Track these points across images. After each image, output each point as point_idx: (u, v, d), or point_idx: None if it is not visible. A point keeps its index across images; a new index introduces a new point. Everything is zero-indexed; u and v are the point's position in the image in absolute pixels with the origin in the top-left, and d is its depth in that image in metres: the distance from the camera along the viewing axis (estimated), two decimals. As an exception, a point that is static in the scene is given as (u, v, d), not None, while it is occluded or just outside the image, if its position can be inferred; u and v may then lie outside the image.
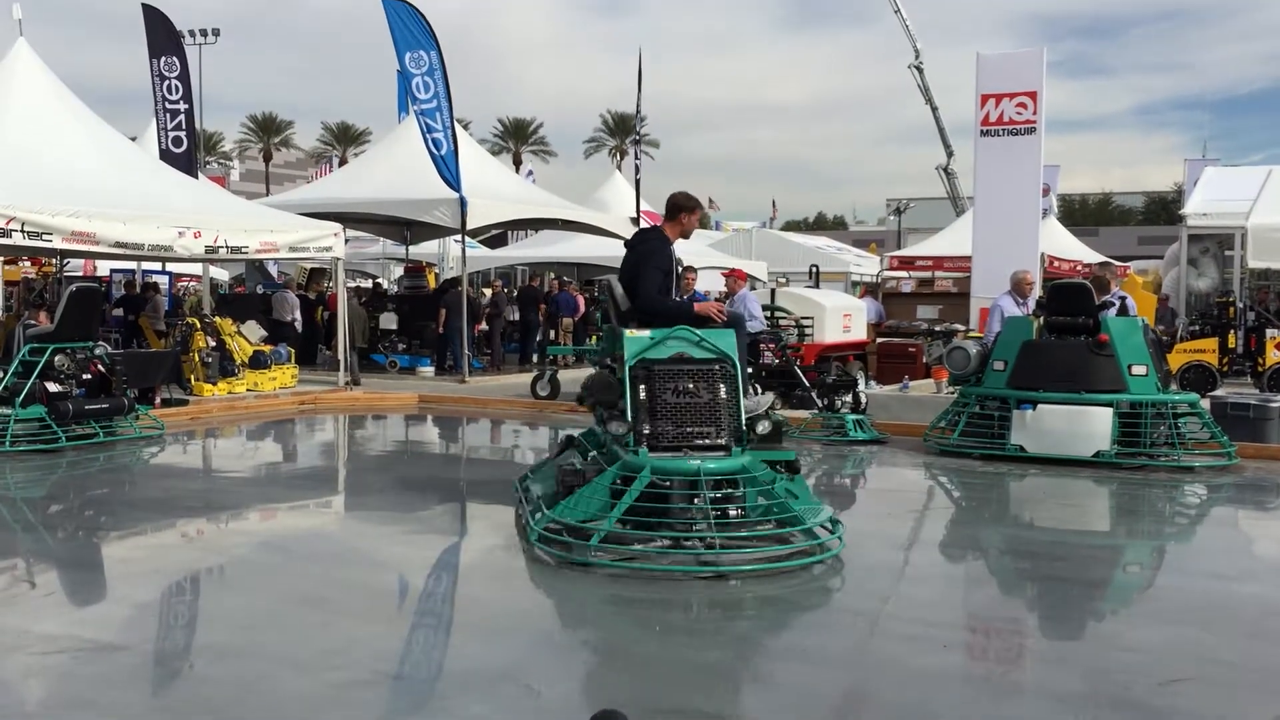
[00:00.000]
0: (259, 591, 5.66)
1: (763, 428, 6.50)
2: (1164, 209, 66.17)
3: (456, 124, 17.09)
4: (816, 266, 22.25)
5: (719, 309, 6.88)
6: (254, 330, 15.51)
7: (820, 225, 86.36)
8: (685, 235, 7.27)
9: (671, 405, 6.33)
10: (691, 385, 6.39)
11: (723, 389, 6.40)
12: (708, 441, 6.28)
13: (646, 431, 6.27)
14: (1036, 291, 11.67)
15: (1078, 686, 4.15)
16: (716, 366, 6.46)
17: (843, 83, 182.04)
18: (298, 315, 18.73)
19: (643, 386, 6.37)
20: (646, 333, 6.56)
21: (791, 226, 71.97)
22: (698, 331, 6.57)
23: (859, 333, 16.64)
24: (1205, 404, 10.34)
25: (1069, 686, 4.15)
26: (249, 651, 4.56)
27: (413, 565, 6.39)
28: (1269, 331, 15.08)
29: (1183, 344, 15.14)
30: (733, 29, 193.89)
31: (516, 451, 11.96)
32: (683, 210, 7.21)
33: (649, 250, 7.05)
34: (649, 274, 6.90)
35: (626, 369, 6.43)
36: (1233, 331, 15.45)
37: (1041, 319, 9.94)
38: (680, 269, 9.72)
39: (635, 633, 5.01)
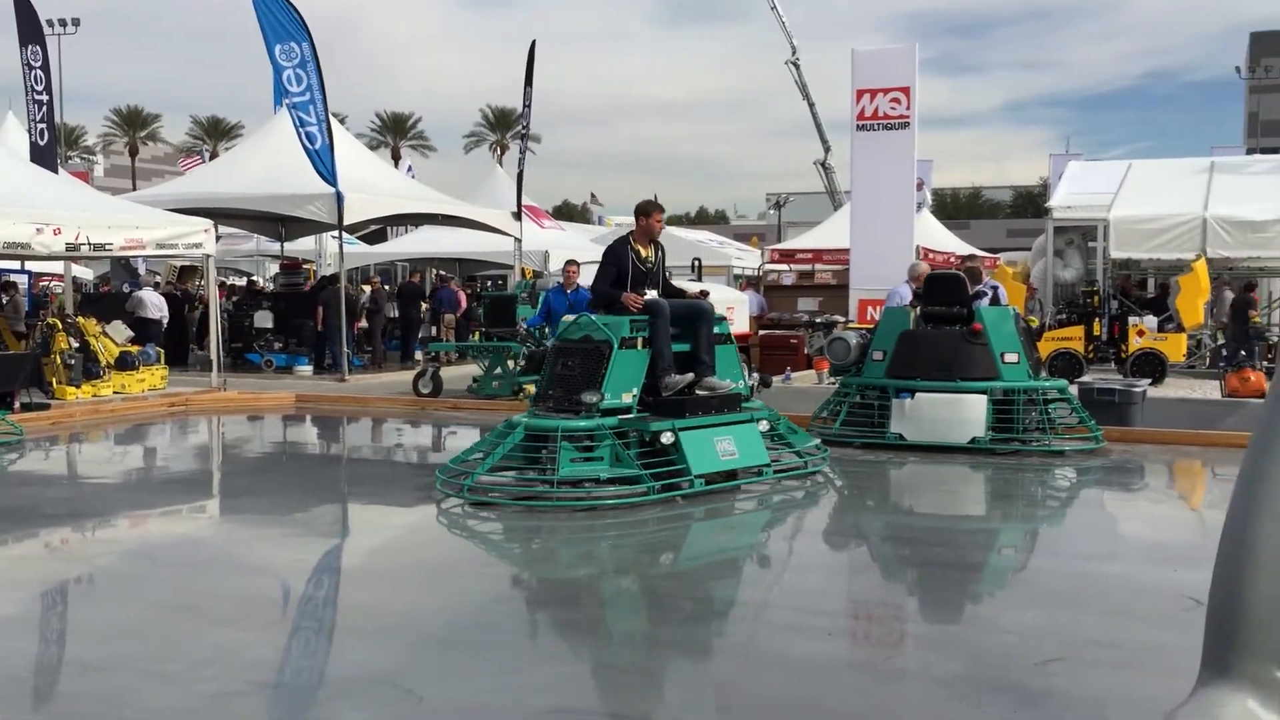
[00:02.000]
0: (126, 602, 5.42)
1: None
2: (1031, 202, 68.35)
3: (332, 118, 16.70)
4: (699, 260, 22.30)
5: (635, 299, 7.97)
6: (120, 331, 14.93)
7: (702, 220, 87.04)
8: (651, 237, 8.42)
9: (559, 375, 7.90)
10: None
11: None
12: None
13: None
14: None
15: (958, 670, 4.22)
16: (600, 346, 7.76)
17: (723, 79, 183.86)
18: (165, 313, 18.05)
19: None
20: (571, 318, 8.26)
21: (674, 221, 72.07)
22: (596, 319, 7.87)
23: (741, 325, 16.77)
24: (1073, 390, 10.69)
25: (950, 670, 4.22)
26: (115, 665, 4.36)
27: (290, 569, 6.20)
28: (1131, 319, 15.67)
29: (1051, 332, 15.63)
30: (613, 25, 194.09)
31: (398, 450, 11.74)
32: (640, 215, 8.50)
33: (605, 251, 8.57)
34: (599, 270, 8.30)
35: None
36: (1097, 320, 16.01)
37: (918, 309, 10.15)
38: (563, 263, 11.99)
39: (519, 633, 4.94)
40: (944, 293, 10.01)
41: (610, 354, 7.66)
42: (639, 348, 7.83)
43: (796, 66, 38.58)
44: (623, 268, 8.22)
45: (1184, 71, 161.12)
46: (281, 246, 23.35)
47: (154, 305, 17.85)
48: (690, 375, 7.95)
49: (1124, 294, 17.41)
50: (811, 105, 39.39)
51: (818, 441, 8.89)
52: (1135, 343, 15.24)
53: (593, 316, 7.95)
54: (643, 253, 8.36)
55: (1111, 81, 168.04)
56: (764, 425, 8.23)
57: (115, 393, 13.87)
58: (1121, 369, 14.99)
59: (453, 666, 4.43)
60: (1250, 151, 34.31)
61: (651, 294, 8.18)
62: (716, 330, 8.30)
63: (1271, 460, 1.11)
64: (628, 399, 7.71)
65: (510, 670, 4.33)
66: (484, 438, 8.36)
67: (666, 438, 7.57)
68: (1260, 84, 42.15)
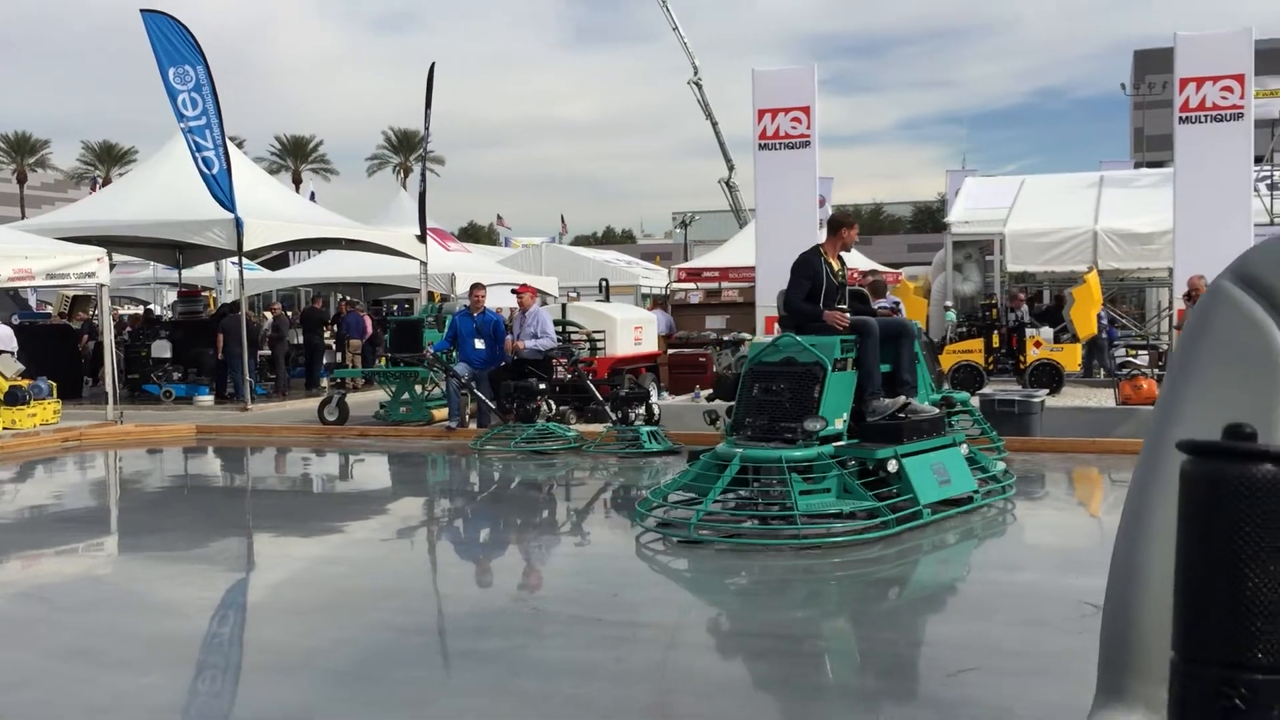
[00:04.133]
0: (18, 647, 5.20)
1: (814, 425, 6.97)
2: (930, 218, 69.85)
3: (230, 142, 16.37)
4: (606, 280, 22.42)
5: (842, 317, 7.51)
6: (9, 365, 14.39)
7: (609, 239, 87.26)
8: (846, 248, 8.02)
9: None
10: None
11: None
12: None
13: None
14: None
15: (874, 684, 4.26)
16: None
17: (628, 99, 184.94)
18: (13, 347, 17.09)
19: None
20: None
21: (581, 241, 72.48)
22: (803, 339, 7.27)
23: (650, 345, 16.82)
24: (975, 401, 10.91)
25: (866, 684, 4.26)
26: (7, 714, 4.17)
27: (194, 607, 6.01)
28: (1028, 331, 16.07)
29: (952, 345, 15.96)
30: (516, 47, 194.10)
31: (304, 480, 11.51)
32: (840, 226, 7.99)
33: (796, 262, 7.90)
34: (792, 283, 7.74)
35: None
36: (996, 332, 16.40)
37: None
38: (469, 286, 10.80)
39: (426, 665, 4.85)
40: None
41: (824, 377, 7.09)
42: (848, 369, 7.38)
43: (699, 86, 39.05)
44: (817, 281, 7.69)
45: (1072, 89, 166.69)
46: (179, 274, 22.80)
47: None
48: (901, 399, 7.45)
49: (1019, 306, 17.84)
50: (715, 124, 39.90)
51: (1003, 466, 8.39)
52: (1033, 354, 15.64)
53: (797, 337, 7.32)
54: (835, 266, 7.87)
55: (1004, 99, 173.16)
56: (964, 449, 7.80)
57: (5, 428, 13.37)
58: (1020, 380, 15.36)
59: (368, 700, 4.33)
60: (1138, 165, 35.49)
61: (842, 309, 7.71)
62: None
63: (1156, 485, 1.13)
64: (839, 425, 7.15)
65: (417, 704, 4.24)
66: (686, 471, 7.43)
67: (892, 465, 7.04)
68: (1144, 100, 43.66)
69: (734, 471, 6.72)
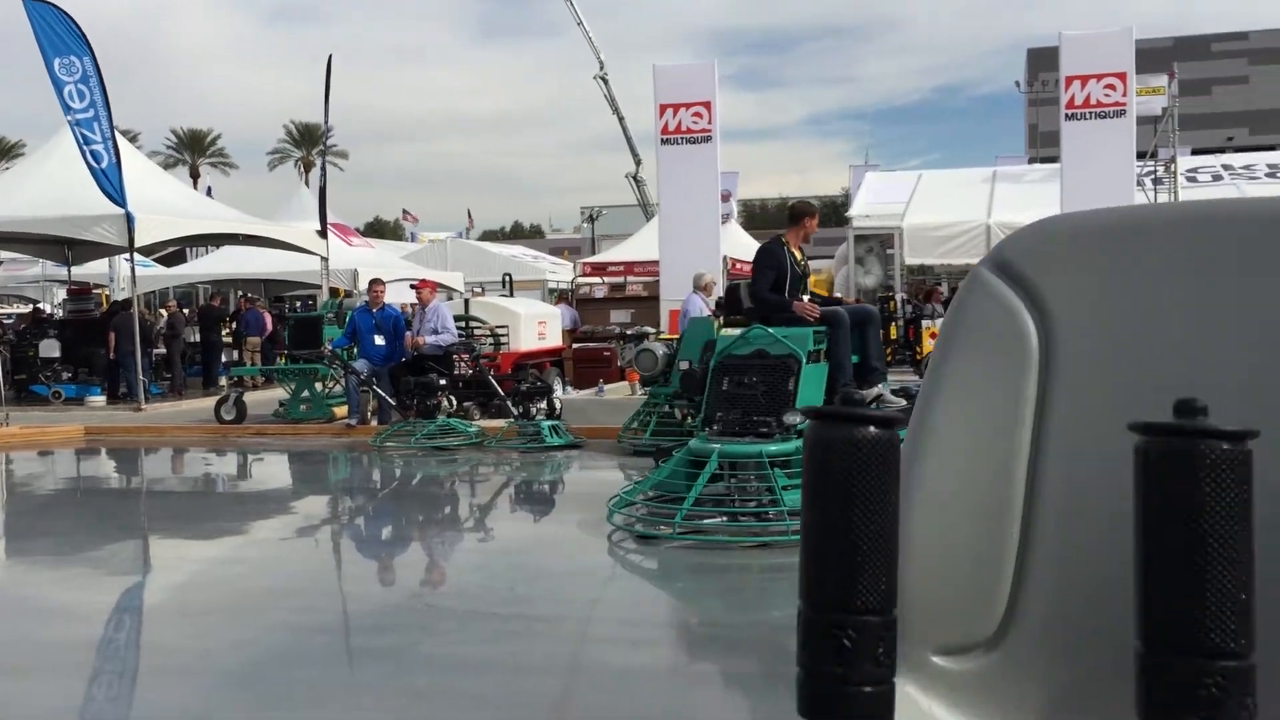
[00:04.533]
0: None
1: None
2: (835, 212, 70.74)
3: (121, 135, 15.96)
4: (509, 275, 22.34)
5: (812, 308, 7.51)
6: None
7: (518, 234, 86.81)
8: (806, 239, 8.04)
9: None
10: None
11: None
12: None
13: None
14: (718, 292, 12.20)
15: (756, 668, 4.36)
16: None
17: (536, 93, 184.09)
18: None
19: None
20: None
21: (489, 236, 71.96)
22: (774, 331, 7.26)
23: (554, 339, 16.82)
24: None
25: (748, 669, 4.36)
26: (-119, 728, 4.07)
27: (87, 611, 5.89)
28: (924, 322, 16.45)
29: (852, 337, 16.24)
30: (424, 41, 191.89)
31: (199, 481, 11.31)
32: (802, 216, 8.02)
33: (759, 253, 8.01)
34: (757, 274, 7.81)
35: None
36: (894, 324, 16.75)
37: (721, 318, 10.39)
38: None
39: (321, 664, 4.83)
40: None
41: (799, 370, 7.07)
42: (820, 361, 7.34)
43: (605, 81, 39.06)
44: (781, 270, 7.64)
45: (971, 86, 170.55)
46: (69, 271, 22.16)
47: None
48: (876, 390, 7.37)
49: (916, 298, 18.24)
50: (621, 119, 39.96)
51: None
52: (929, 345, 16.01)
53: (768, 329, 7.29)
54: (797, 255, 7.84)
55: (906, 96, 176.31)
56: None
57: (-117, 433, 12.89)
58: (918, 370, 15.71)
59: (262, 701, 4.31)
60: (1032, 161, 36.48)
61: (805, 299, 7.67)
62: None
63: (922, 452, 1.20)
64: None
65: (315, 704, 4.24)
66: (658, 469, 7.25)
67: None
68: (1038, 97, 44.84)
69: (714, 467, 6.51)
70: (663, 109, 16.57)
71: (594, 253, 41.65)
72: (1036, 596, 1.12)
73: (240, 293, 26.50)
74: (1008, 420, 1.14)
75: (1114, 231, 1.20)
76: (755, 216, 76.05)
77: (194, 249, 28.00)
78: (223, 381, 18.06)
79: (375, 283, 13.16)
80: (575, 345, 17.88)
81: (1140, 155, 21.82)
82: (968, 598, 1.06)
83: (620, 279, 23.85)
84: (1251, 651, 0.62)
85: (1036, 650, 1.12)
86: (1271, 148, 35.10)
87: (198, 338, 20.37)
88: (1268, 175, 25.86)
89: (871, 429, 0.67)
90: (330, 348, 12.79)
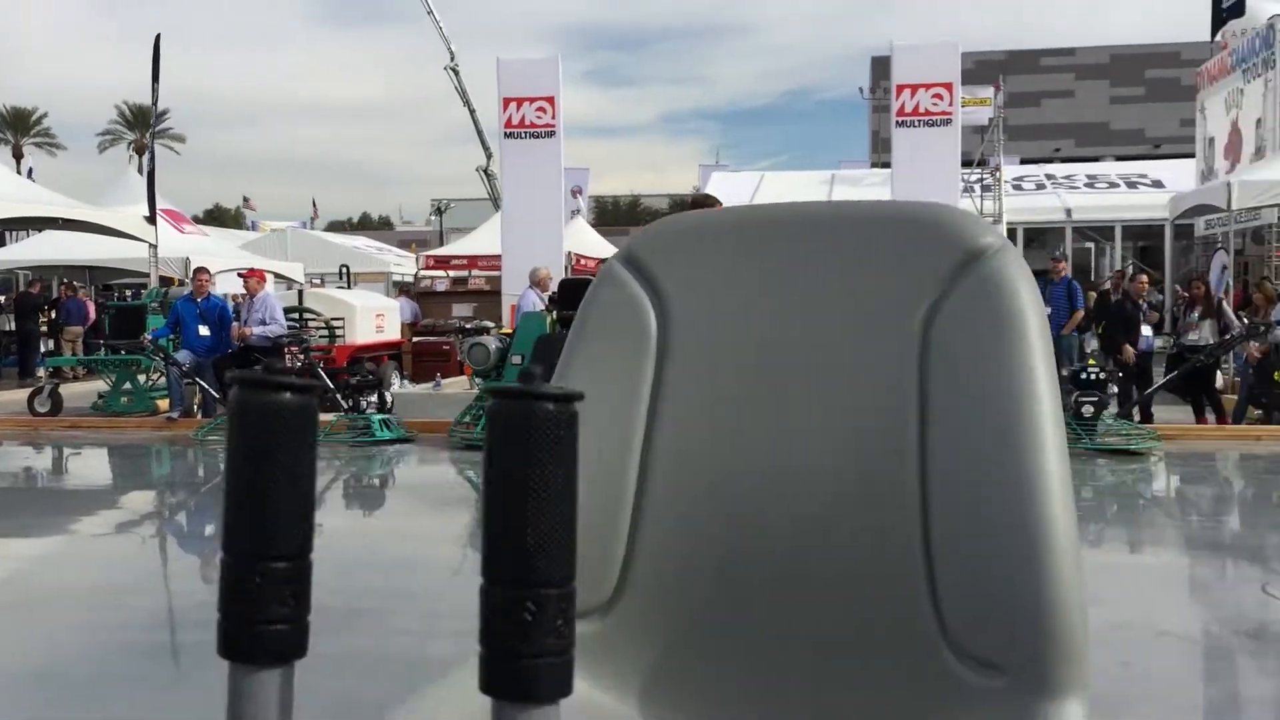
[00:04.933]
0: None
1: None
2: (681, 210, 71.65)
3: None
4: (347, 267, 21.96)
5: None
6: None
7: (365, 225, 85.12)
8: None
9: None
10: None
11: None
12: None
13: None
14: (554, 287, 12.22)
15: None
16: None
17: (388, 82, 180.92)
18: None
19: None
20: None
21: (335, 227, 70.40)
22: None
23: (393, 333, 16.61)
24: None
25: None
26: None
27: None
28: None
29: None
30: (267, 22, 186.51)
31: (4, 476, 10.76)
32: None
33: None
34: None
35: None
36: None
37: (554, 313, 10.43)
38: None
39: (119, 662, 4.68)
40: (578, 297, 10.30)
41: None
42: None
43: (456, 73, 38.56)
44: None
45: (818, 90, 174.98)
46: (-128, 254, 20.80)
47: None
48: None
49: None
50: (472, 111, 39.48)
51: None
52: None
53: None
54: None
55: (756, 98, 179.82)
56: None
57: None
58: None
59: (50, 701, 4.14)
60: (874, 165, 37.68)
61: None
62: None
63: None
64: None
65: (111, 700, 4.10)
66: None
67: None
68: (880, 104, 46.31)
69: None
70: (506, 102, 16.49)
71: (442, 245, 41.23)
72: (645, 561, 1.19)
73: (62, 280, 25.31)
74: (629, 398, 1.21)
75: (723, 229, 1.31)
76: (606, 213, 76.46)
77: (13, 233, 26.66)
78: (40, 373, 17.22)
79: (200, 271, 12.76)
80: (415, 339, 17.68)
81: (970, 163, 22.73)
82: (587, 565, 1.11)
83: (464, 272, 23.69)
84: (569, 581, 0.68)
85: (645, 612, 1.18)
86: (1095, 159, 37.13)
87: (13, 326, 19.39)
88: (1086, 185, 27.35)
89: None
90: (151, 337, 12.32)
